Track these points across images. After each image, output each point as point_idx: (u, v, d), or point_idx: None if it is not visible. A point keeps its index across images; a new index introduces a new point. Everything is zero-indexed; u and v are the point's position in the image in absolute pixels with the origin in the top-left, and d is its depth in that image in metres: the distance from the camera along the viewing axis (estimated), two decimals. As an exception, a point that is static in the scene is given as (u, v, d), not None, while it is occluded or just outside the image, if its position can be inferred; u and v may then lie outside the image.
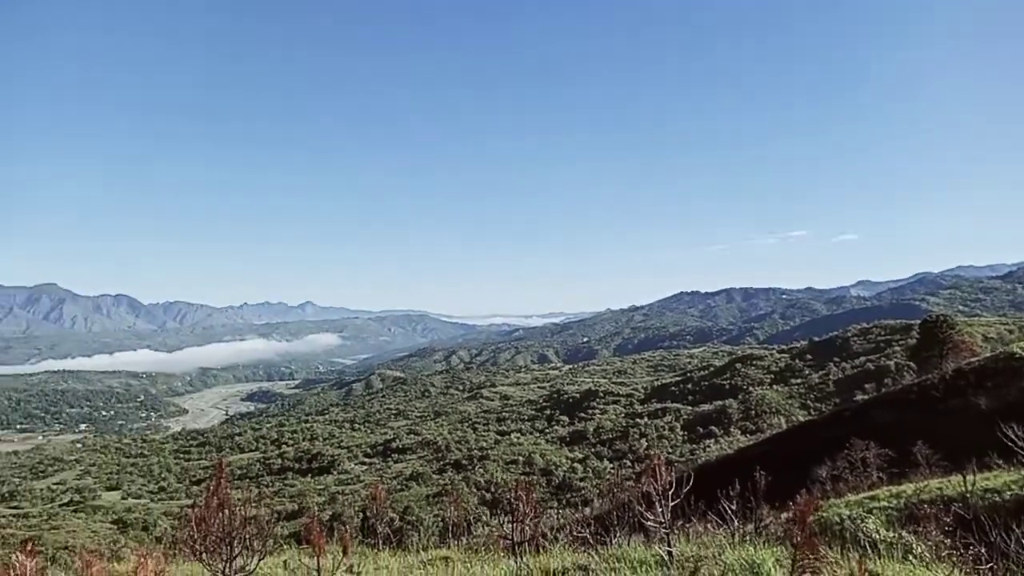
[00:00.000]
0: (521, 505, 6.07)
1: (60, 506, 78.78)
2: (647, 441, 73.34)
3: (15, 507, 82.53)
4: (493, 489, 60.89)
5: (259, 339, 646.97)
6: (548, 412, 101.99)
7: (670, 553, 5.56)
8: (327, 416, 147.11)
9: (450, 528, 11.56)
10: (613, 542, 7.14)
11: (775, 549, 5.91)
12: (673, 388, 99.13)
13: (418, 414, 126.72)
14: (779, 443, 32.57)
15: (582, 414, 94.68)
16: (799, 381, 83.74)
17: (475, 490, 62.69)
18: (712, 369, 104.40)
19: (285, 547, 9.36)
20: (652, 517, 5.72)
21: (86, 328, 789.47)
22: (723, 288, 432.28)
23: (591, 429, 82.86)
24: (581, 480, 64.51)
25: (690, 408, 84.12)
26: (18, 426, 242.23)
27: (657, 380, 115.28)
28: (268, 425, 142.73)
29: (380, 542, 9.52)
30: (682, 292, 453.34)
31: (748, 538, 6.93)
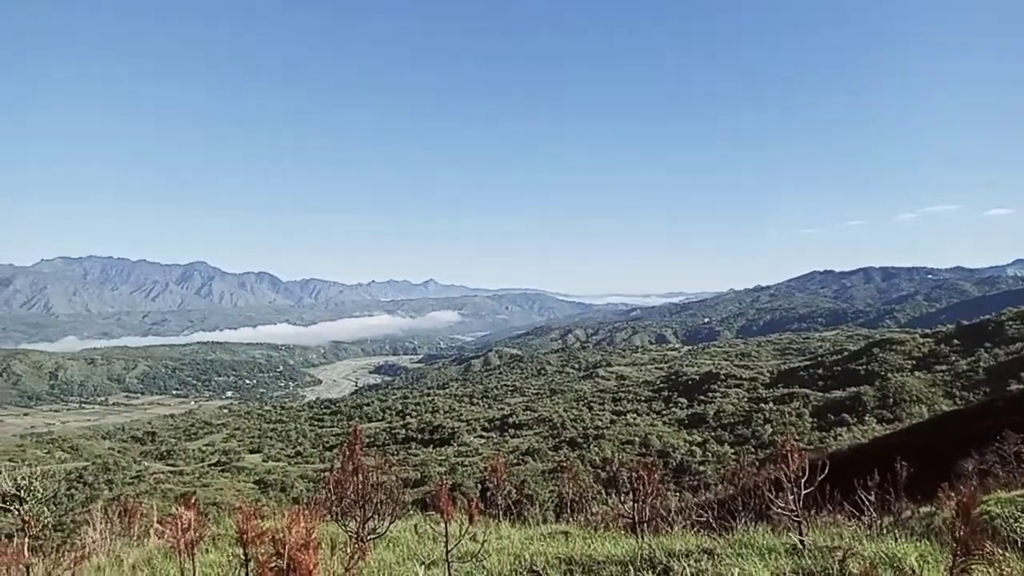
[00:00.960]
0: (643, 485, 6.01)
1: (209, 465, 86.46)
2: (772, 427, 70.40)
3: (172, 465, 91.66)
4: (608, 468, 60.71)
5: (385, 315, 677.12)
6: (666, 393, 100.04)
7: (802, 541, 5.32)
8: (447, 390, 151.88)
9: (567, 504, 11.65)
10: (738, 527, 6.93)
11: (918, 544, 5.51)
12: (802, 373, 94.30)
13: (534, 391, 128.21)
14: (919, 433, 30.26)
15: (702, 397, 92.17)
16: (944, 368, 77.26)
17: (590, 468, 62.74)
18: (846, 353, 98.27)
19: (412, 512, 9.79)
20: (782, 504, 5.49)
21: (232, 303, 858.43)
22: (860, 267, 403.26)
23: (711, 412, 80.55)
24: (700, 464, 62.95)
25: (820, 394, 79.77)
26: (173, 391, 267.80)
27: (784, 364, 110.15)
28: (393, 397, 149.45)
29: (500, 513, 9.77)
30: (814, 271, 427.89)
31: (885, 531, 6.51)
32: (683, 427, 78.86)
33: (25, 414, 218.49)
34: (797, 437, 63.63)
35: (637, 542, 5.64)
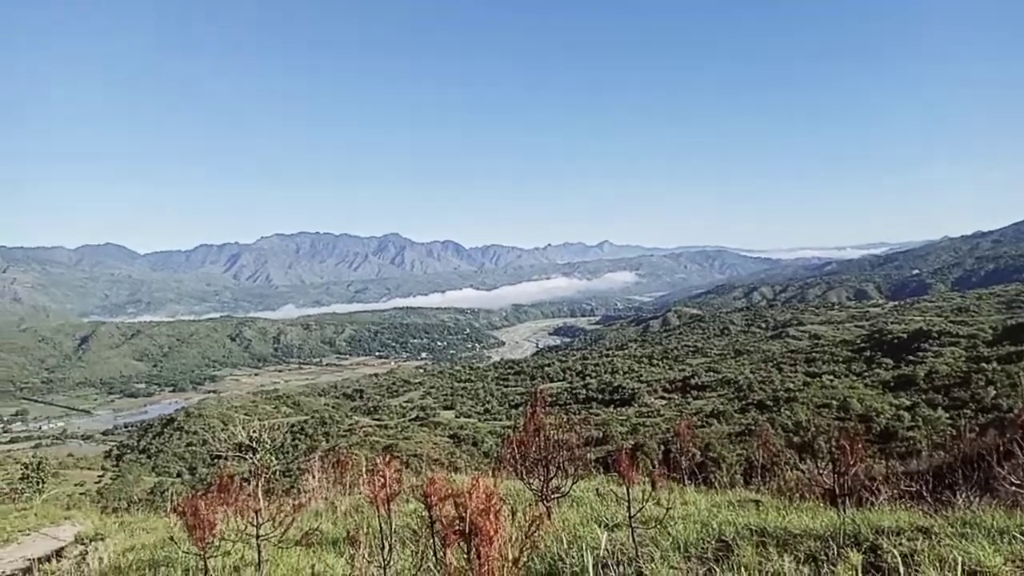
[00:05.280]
0: (845, 454, 5.49)
1: (409, 420, 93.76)
2: (995, 389, 62.15)
3: (377, 419, 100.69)
4: (801, 432, 57.36)
5: (562, 278, 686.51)
6: (867, 353, 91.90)
7: (1043, 526, 4.58)
8: (626, 351, 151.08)
9: (757, 469, 11.14)
10: (958, 502, 6.14)
11: None
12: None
13: (717, 352, 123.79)
14: None
15: (910, 357, 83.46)
16: None
17: (781, 432, 59.51)
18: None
19: (594, 472, 9.88)
20: (1016, 480, 4.75)
21: (422, 270, 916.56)
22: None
23: (922, 374, 72.74)
24: (908, 430, 57.30)
25: (1057, 352, 69.04)
26: (376, 353, 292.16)
27: (1011, 318, 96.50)
28: (573, 358, 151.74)
29: (684, 477, 9.55)
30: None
31: None
32: (888, 390, 72.12)
33: (255, 374, 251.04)
34: (1028, 402, 55.76)
35: (839, 516, 5.19)
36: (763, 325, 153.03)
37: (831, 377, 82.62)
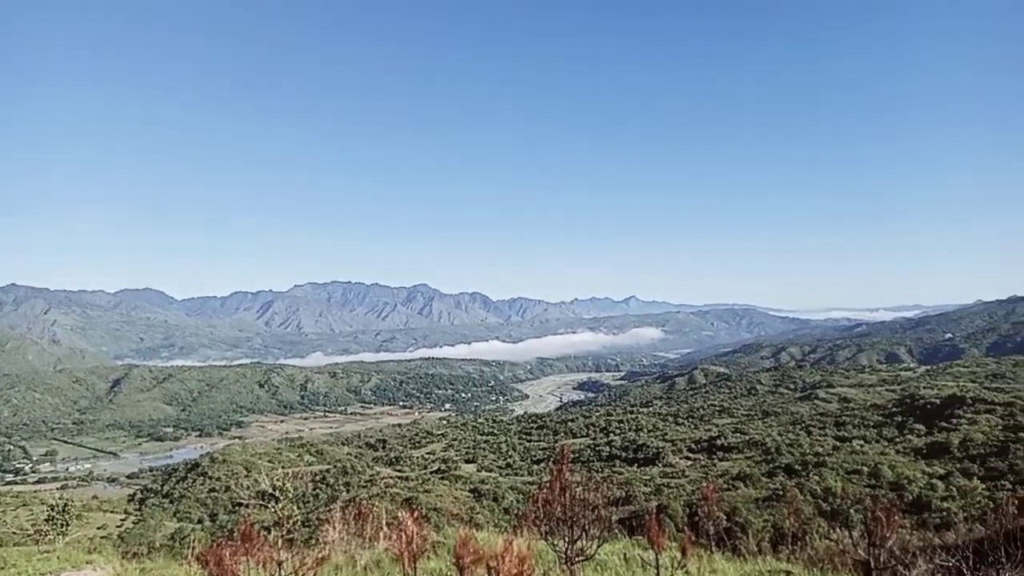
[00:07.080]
0: (880, 526, 5.34)
1: (431, 472, 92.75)
2: (1037, 461, 59.77)
3: (399, 470, 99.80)
4: (831, 499, 55.51)
5: (588, 332, 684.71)
6: (899, 419, 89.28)
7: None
8: (651, 408, 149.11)
9: (788, 537, 10.87)
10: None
11: None
12: (1076, 398, 79.35)
13: (744, 412, 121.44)
14: None
15: (944, 423, 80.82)
16: None
17: (809, 498, 57.70)
18: None
19: (618, 534, 9.70)
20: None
21: (449, 321, 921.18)
22: None
23: (956, 441, 70.11)
24: (943, 500, 55.13)
25: (1103, 424, 66.46)
26: (400, 403, 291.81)
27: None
28: (597, 414, 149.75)
29: (712, 544, 9.32)
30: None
31: None
32: (920, 457, 69.71)
33: (281, 420, 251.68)
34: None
35: (871, 590, 5.03)
36: (791, 386, 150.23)
37: (861, 442, 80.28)
